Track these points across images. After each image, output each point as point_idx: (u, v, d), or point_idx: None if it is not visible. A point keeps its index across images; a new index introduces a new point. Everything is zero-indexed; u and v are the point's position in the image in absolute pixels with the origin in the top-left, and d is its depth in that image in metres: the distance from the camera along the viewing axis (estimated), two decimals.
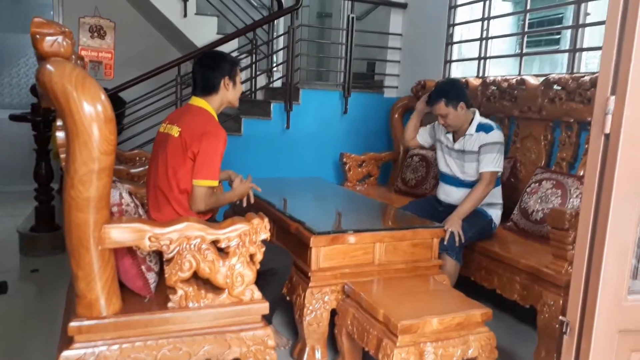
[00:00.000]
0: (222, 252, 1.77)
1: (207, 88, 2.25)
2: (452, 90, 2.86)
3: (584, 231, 1.47)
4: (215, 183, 2.17)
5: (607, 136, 1.40)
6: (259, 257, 1.79)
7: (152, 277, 1.80)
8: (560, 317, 1.55)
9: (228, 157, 2.31)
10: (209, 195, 2.17)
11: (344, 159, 4.26)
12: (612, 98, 1.37)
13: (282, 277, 2.24)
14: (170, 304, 1.72)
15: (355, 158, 4.29)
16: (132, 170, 2.92)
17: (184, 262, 1.69)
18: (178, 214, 2.16)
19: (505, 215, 3.04)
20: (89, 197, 1.50)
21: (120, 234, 1.59)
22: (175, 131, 2.18)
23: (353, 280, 2.25)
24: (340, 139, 4.52)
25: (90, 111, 1.45)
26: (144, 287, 1.78)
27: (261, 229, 1.77)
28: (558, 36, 4.88)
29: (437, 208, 3.04)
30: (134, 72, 4.46)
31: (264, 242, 1.82)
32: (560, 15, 4.82)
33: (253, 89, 4.83)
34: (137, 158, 3.47)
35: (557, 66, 4.89)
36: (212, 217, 2.41)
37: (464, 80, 3.71)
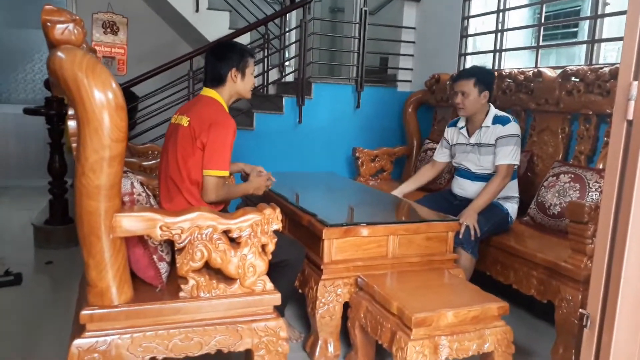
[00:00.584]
0: (234, 242, 1.75)
1: (215, 79, 2.23)
2: (487, 76, 2.84)
3: (606, 221, 1.42)
4: (225, 173, 2.15)
5: (629, 122, 1.35)
6: (270, 247, 1.76)
7: (163, 267, 1.79)
8: (581, 310, 1.50)
9: (240, 152, 2.30)
10: (220, 186, 2.15)
11: (357, 154, 4.23)
12: (635, 83, 1.32)
13: (294, 269, 2.22)
14: (181, 294, 1.71)
15: (368, 153, 4.25)
16: (144, 163, 2.92)
17: (196, 252, 1.67)
18: (190, 203, 2.15)
19: (522, 210, 2.99)
20: (100, 184, 1.49)
21: (132, 222, 1.58)
22: (185, 121, 2.16)
23: (366, 273, 2.22)
24: (353, 133, 4.48)
25: (101, 98, 1.43)
26: (156, 277, 1.77)
27: (273, 219, 1.75)
28: (575, 29, 4.78)
29: (452, 202, 2.99)
30: (146, 67, 4.47)
31: (276, 233, 1.79)
32: (578, 8, 4.73)
33: (265, 84, 4.82)
34: (150, 152, 3.48)
35: (574, 60, 4.81)
36: (225, 208, 2.39)
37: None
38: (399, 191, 3.03)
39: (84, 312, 1.58)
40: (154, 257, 1.76)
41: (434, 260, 2.39)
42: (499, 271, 2.72)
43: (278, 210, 1.77)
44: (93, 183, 1.48)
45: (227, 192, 2.24)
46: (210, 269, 1.75)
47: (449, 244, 2.44)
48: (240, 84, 2.26)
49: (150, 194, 1.90)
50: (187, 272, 1.68)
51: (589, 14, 4.75)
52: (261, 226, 1.74)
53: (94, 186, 1.49)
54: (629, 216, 1.35)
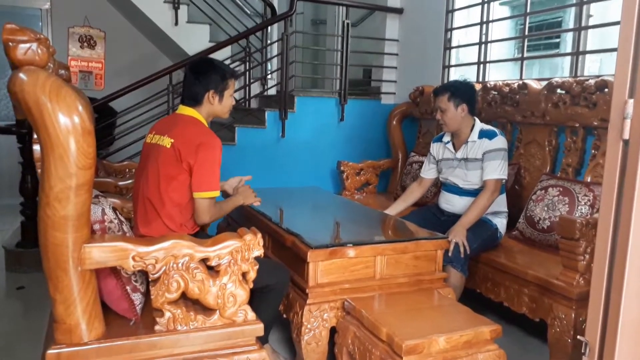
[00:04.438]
0: (213, 270, 1.65)
1: (192, 98, 2.14)
2: (461, 89, 2.78)
3: (603, 245, 1.36)
4: (216, 193, 2.09)
5: (625, 142, 1.29)
6: (252, 275, 1.67)
7: (138, 298, 1.68)
8: (579, 337, 1.43)
9: (222, 167, 2.20)
10: (212, 206, 2.09)
11: (342, 167, 4.15)
12: (631, 101, 1.27)
13: (279, 294, 2.12)
14: (157, 327, 1.60)
15: (353, 166, 4.18)
16: (120, 183, 2.80)
17: (172, 283, 1.57)
18: (169, 228, 2.05)
19: (511, 223, 2.93)
20: (67, 215, 1.39)
21: (102, 253, 1.47)
22: (166, 142, 2.07)
23: (353, 296, 2.13)
24: (337, 147, 4.40)
25: (66, 123, 1.34)
26: (130, 309, 1.66)
27: (254, 245, 1.66)
28: (557, 40, 4.79)
29: (440, 217, 2.93)
30: (124, 81, 4.37)
31: (258, 257, 1.70)
32: (560, 19, 4.74)
33: (247, 97, 4.74)
34: (127, 170, 3.36)
35: (557, 70, 4.81)
36: (204, 229, 2.29)
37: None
38: (389, 213, 2.95)
39: (50, 352, 1.47)
40: (128, 287, 1.65)
41: (423, 280, 2.31)
42: (490, 288, 2.66)
43: (259, 235, 1.67)
44: (59, 213, 1.38)
45: (219, 210, 2.17)
46: (188, 300, 1.64)
47: (438, 262, 2.37)
48: (217, 106, 2.17)
49: (123, 219, 1.79)
50: (163, 304, 1.58)
51: (570, 25, 4.79)
52: (241, 253, 1.65)
53: (59, 217, 1.38)
54: (627, 239, 1.28)
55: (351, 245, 2.15)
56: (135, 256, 1.51)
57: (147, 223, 2.05)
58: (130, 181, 2.86)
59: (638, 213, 1.26)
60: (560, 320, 2.23)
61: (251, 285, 1.68)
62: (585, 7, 3.03)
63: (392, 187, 4.32)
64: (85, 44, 5.47)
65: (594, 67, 3.76)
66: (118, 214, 1.79)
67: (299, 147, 4.28)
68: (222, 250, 1.62)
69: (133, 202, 2.18)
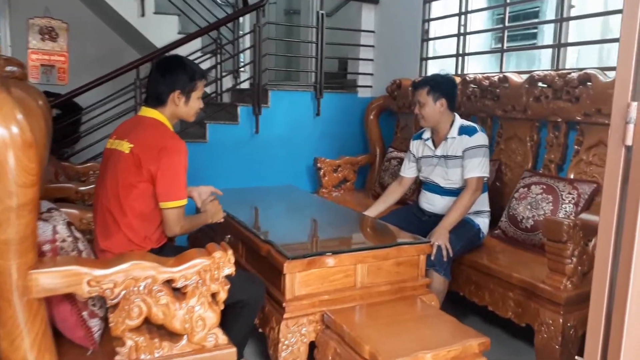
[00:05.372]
0: (179, 292, 1.50)
1: (155, 98, 1.97)
2: (441, 83, 2.68)
3: (604, 258, 1.25)
4: (184, 202, 1.94)
5: (628, 148, 1.19)
6: (222, 296, 1.53)
7: (96, 325, 1.52)
8: (577, 358, 1.34)
9: (193, 167, 2.05)
10: (182, 216, 1.94)
11: (319, 164, 4.02)
12: (634, 104, 1.16)
13: (253, 308, 1.98)
14: (117, 358, 1.45)
15: (330, 163, 4.05)
16: (82, 189, 2.61)
17: (132, 308, 1.42)
18: (131, 241, 1.89)
19: (492, 222, 2.84)
20: (8, 239, 1.22)
21: (52, 280, 1.31)
22: (125, 147, 1.90)
23: (333, 307, 2.01)
24: (313, 142, 4.26)
25: (3, 135, 1.16)
26: (86, 338, 1.50)
27: (224, 263, 1.51)
28: (535, 30, 4.71)
29: (421, 218, 2.82)
30: (89, 75, 4.14)
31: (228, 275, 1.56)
32: (537, 9, 4.66)
33: (219, 92, 4.55)
34: (91, 172, 3.16)
35: (534, 62, 4.74)
36: (172, 240, 2.14)
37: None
38: (369, 214, 2.83)
39: None
40: (84, 313, 1.49)
41: (405, 287, 2.20)
42: (473, 292, 2.56)
43: (230, 252, 1.53)
44: None
45: (190, 223, 2.03)
46: (152, 324, 1.49)
47: (421, 268, 2.26)
48: (182, 107, 2.01)
49: (79, 235, 1.62)
50: (123, 332, 1.43)
51: (547, 15, 4.72)
52: (210, 272, 1.50)
53: (0, 242, 1.21)
54: (632, 252, 1.18)
55: (330, 254, 2.02)
56: (91, 281, 1.36)
57: (107, 236, 1.89)
58: (93, 186, 2.67)
59: None
60: (547, 325, 2.15)
61: (222, 307, 1.54)
62: None
63: (370, 183, 4.21)
64: (47, 36, 5.20)
65: (572, 58, 3.69)
66: (73, 229, 1.63)
67: (273, 143, 4.12)
68: (189, 270, 1.47)
69: (93, 212, 2.01)
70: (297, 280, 1.98)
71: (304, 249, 2.15)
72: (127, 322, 1.42)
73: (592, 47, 3.51)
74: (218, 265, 1.51)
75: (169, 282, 1.47)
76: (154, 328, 1.50)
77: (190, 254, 1.51)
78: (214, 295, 1.53)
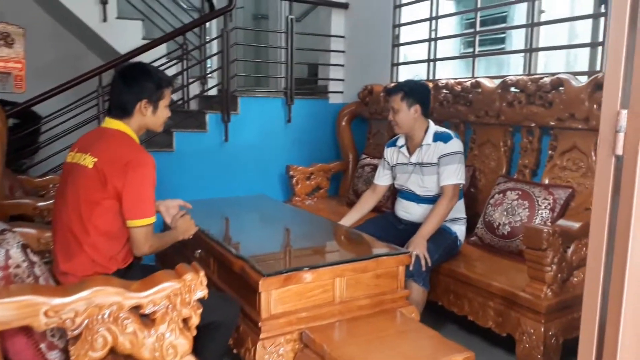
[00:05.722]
0: (147, 318, 1.39)
1: (120, 108, 1.85)
2: (415, 89, 2.63)
3: (595, 272, 1.21)
4: (152, 219, 1.82)
5: (618, 158, 1.15)
6: (195, 320, 1.42)
7: (55, 358, 1.39)
8: None
9: (159, 178, 1.93)
10: (150, 234, 1.82)
11: (291, 172, 3.93)
12: (624, 112, 1.12)
13: (227, 329, 1.87)
14: None
15: (302, 170, 3.97)
16: (41, 204, 2.45)
17: (96, 339, 1.30)
18: (95, 262, 1.76)
19: (468, 229, 2.81)
20: None
21: (4, 312, 1.18)
22: (88, 161, 1.77)
23: (312, 324, 1.93)
24: (285, 150, 4.17)
25: None
26: None
27: (196, 285, 1.41)
28: (503, 35, 4.76)
29: (397, 226, 2.77)
30: (48, 83, 3.93)
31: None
32: (505, 14, 4.71)
33: (186, 99, 4.41)
34: (51, 185, 2.99)
35: (503, 66, 4.78)
36: (139, 258, 2.01)
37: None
38: (344, 224, 2.76)
39: None
40: (42, 345, 1.36)
41: (384, 300, 2.13)
42: (452, 301, 2.52)
43: (202, 274, 1.43)
44: None
45: (160, 241, 1.90)
46: (118, 355, 1.38)
47: (400, 279, 2.19)
48: (150, 117, 1.90)
49: (35, 259, 1.49)
50: None
51: (515, 20, 4.77)
52: (181, 295, 1.40)
53: None
54: (625, 266, 1.14)
55: (307, 269, 1.93)
56: (49, 311, 1.23)
57: (68, 257, 1.75)
58: (52, 201, 2.51)
59: (637, 238, 1.12)
60: (529, 335, 2.12)
61: (194, 333, 1.44)
62: (537, 2, 2.93)
63: (344, 190, 4.15)
64: (2, 42, 4.94)
65: (541, 63, 3.72)
66: (29, 252, 1.49)
67: (244, 151, 4.02)
68: (158, 294, 1.37)
69: (52, 232, 1.87)
70: (274, 297, 1.89)
71: (280, 265, 2.06)
72: (90, 354, 1.30)
73: (560, 52, 3.55)
74: (189, 288, 1.40)
75: (136, 308, 1.36)
76: (121, 358, 1.39)
77: (159, 276, 1.41)
78: (185, 320, 1.42)
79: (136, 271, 1.86)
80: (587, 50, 3.18)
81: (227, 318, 1.85)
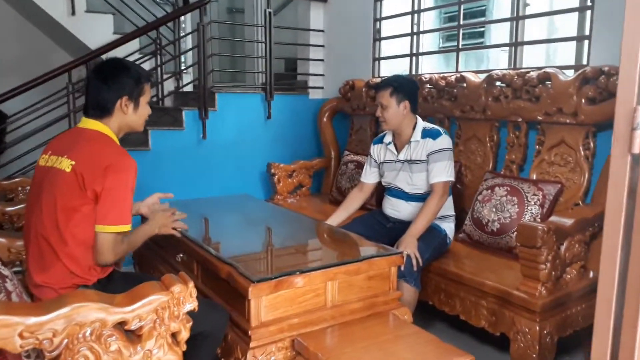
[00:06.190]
0: (133, 333, 1.29)
1: (98, 108, 1.73)
2: (404, 85, 2.56)
3: (609, 277, 1.16)
4: (127, 228, 1.69)
5: (634, 157, 1.09)
6: (184, 335, 1.33)
7: None
8: None
9: (136, 178, 1.81)
10: (119, 243, 1.68)
11: (272, 170, 3.83)
12: None
13: (215, 339, 1.78)
14: None
15: (284, 168, 3.88)
16: (10, 209, 2.31)
17: (78, 359, 1.19)
18: (72, 273, 1.64)
19: (456, 226, 2.76)
20: None
21: None
22: (65, 164, 1.65)
23: (304, 331, 1.84)
24: (265, 147, 4.07)
25: None
26: None
27: (185, 298, 1.31)
28: (482, 29, 4.74)
29: (385, 225, 2.71)
30: (14, 80, 3.76)
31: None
32: (483, 8, 4.69)
33: (160, 96, 4.27)
34: (20, 188, 2.83)
35: (482, 61, 4.77)
36: (118, 265, 1.90)
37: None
38: (331, 223, 2.68)
39: None
40: None
41: (377, 302, 2.06)
42: (443, 300, 2.47)
43: (191, 285, 1.33)
44: None
45: (128, 245, 1.76)
46: None
47: (392, 280, 2.12)
48: (132, 115, 1.78)
49: (6, 273, 1.37)
50: None
51: (494, 14, 4.76)
52: (169, 309, 1.30)
53: None
54: None
55: (299, 273, 1.85)
56: (24, 332, 1.12)
57: (44, 268, 1.63)
58: (23, 205, 2.36)
59: None
60: (523, 334, 2.08)
61: (184, 348, 1.34)
62: None
63: (326, 187, 4.07)
64: None
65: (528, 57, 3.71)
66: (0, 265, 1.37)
67: (223, 149, 3.90)
68: (143, 308, 1.26)
69: (24, 240, 1.74)
70: (264, 304, 1.80)
71: (269, 269, 1.97)
72: None
73: (540, 46, 3.54)
74: (178, 300, 1.31)
75: (120, 324, 1.25)
76: None
77: (144, 288, 1.30)
78: (174, 335, 1.32)
79: (118, 281, 1.75)
80: (567, 44, 3.17)
81: (215, 327, 1.75)
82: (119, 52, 3.58)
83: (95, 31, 4.33)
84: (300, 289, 1.87)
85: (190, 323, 1.35)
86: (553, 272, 2.07)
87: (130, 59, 3.84)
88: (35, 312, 1.16)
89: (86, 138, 1.71)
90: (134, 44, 4.28)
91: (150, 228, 1.92)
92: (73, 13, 4.26)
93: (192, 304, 1.33)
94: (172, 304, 1.30)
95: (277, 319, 1.83)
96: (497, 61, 4.64)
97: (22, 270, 1.82)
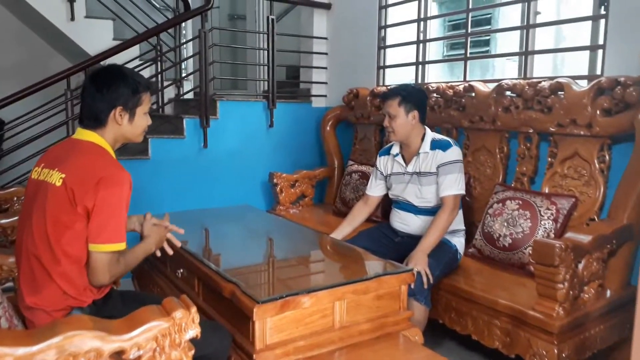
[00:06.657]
0: None
1: (92, 118, 1.64)
2: (413, 94, 2.48)
3: None
4: (121, 246, 1.58)
5: None
6: None
7: None
8: None
9: (134, 188, 1.71)
10: (115, 263, 1.57)
11: (275, 180, 3.75)
12: None
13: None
14: None
15: (287, 178, 3.79)
16: (4, 221, 2.21)
17: None
18: (66, 294, 1.54)
19: (465, 240, 2.67)
20: None
21: None
22: (55, 178, 1.55)
23: (310, 354, 1.75)
24: (267, 156, 3.98)
25: None
26: None
27: (188, 324, 1.22)
28: (487, 37, 4.67)
29: (393, 239, 2.62)
30: (12, 86, 3.66)
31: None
32: (489, 16, 4.62)
33: (161, 103, 4.18)
34: (15, 198, 2.73)
35: (488, 70, 4.70)
36: (116, 284, 1.80)
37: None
38: (336, 237, 2.59)
39: None
40: None
41: (387, 323, 1.97)
42: (454, 319, 2.38)
43: (194, 310, 1.24)
44: None
45: (125, 267, 1.64)
46: None
47: (403, 299, 2.03)
48: (126, 127, 1.69)
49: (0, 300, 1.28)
50: None
51: (499, 23, 4.69)
52: (170, 336, 1.20)
53: None
54: None
55: (306, 292, 1.76)
56: None
57: (35, 289, 1.53)
58: (17, 217, 2.27)
59: None
60: (540, 357, 1.99)
61: None
62: (532, 3, 2.82)
63: (329, 198, 3.98)
64: None
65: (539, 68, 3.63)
66: None
67: (224, 158, 3.81)
68: (143, 335, 1.17)
69: (16, 258, 1.64)
70: (269, 326, 1.70)
71: (275, 288, 1.88)
72: None
73: (547, 56, 3.47)
74: (180, 327, 1.21)
75: (117, 353, 1.16)
76: None
77: (143, 314, 1.21)
78: None
79: (115, 301, 1.66)
80: (575, 54, 3.10)
81: (217, 350, 1.66)
82: (118, 59, 3.50)
83: (95, 37, 4.25)
84: (307, 310, 1.77)
85: (193, 351, 1.26)
86: (571, 292, 1.98)
87: (130, 65, 3.77)
88: (24, 341, 1.06)
89: (79, 150, 1.61)
90: (134, 51, 4.20)
91: (148, 246, 1.81)
92: (72, 19, 4.17)
93: (194, 330, 1.23)
94: (174, 331, 1.20)
95: (283, 342, 1.73)
96: (503, 70, 4.57)
97: (14, 287, 1.72)
